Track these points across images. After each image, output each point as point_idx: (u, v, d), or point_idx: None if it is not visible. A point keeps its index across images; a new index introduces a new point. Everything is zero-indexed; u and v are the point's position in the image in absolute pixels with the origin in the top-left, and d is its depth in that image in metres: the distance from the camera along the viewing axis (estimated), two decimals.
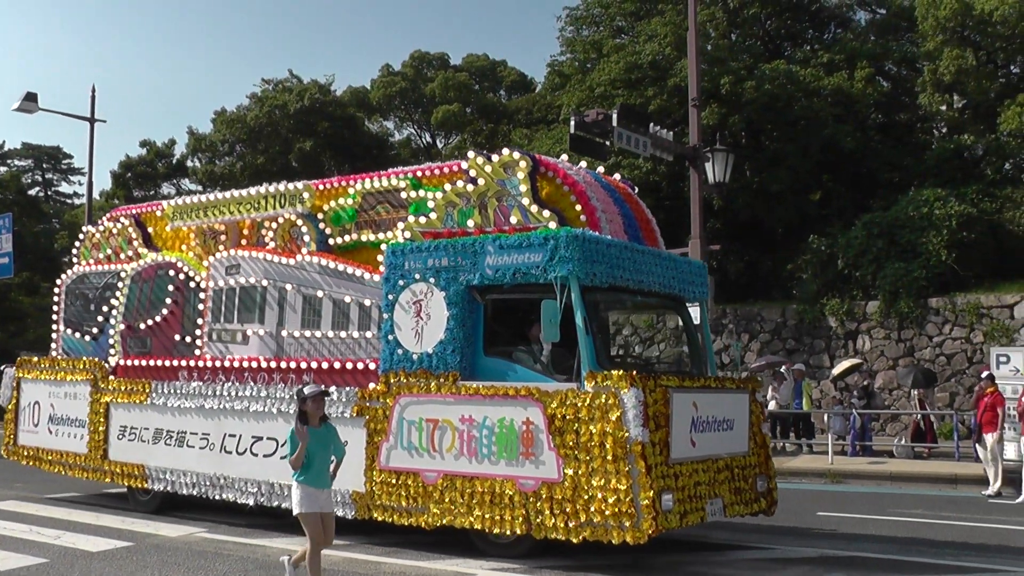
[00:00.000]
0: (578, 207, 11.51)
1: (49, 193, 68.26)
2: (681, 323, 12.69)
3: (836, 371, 26.35)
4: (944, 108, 33.57)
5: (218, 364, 13.58)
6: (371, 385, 11.96)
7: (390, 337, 11.83)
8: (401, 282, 11.79)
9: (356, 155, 40.92)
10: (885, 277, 27.40)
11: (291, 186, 13.45)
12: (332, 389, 12.23)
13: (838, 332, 28.56)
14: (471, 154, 11.90)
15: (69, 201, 66.84)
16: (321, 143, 43.93)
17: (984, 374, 18.99)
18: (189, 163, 46.62)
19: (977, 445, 17.98)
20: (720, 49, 35.27)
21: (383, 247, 12.46)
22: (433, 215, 11.97)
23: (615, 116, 20.24)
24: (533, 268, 10.93)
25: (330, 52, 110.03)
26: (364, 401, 11.93)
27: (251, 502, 12.94)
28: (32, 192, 65.85)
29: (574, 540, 10.47)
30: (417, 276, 11.68)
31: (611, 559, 11.04)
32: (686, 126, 24.98)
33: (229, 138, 45.01)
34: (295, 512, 9.35)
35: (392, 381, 11.70)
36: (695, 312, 13.69)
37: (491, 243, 11.23)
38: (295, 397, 9.65)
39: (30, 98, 33.11)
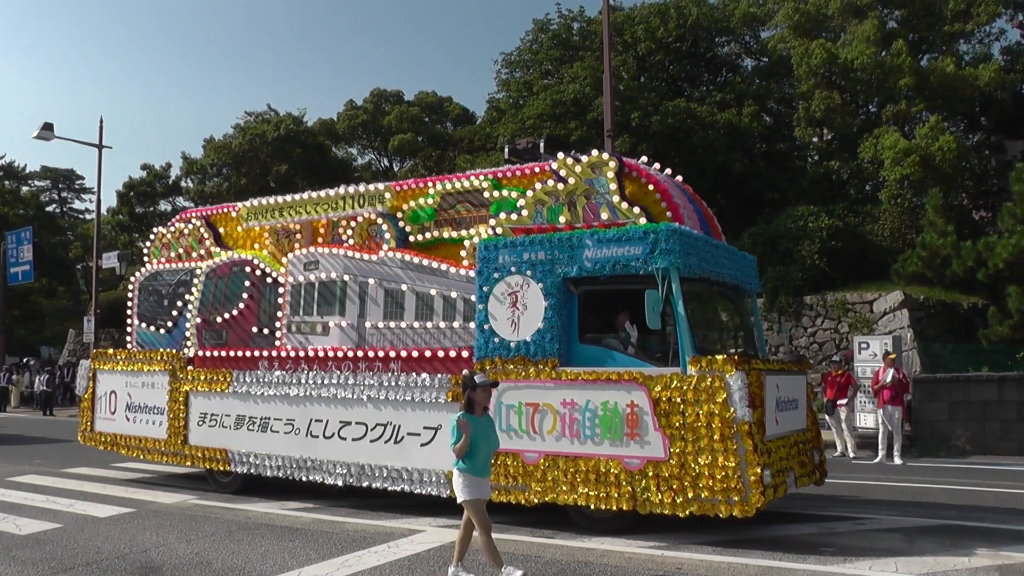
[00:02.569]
0: (663, 204, 9.53)
1: (64, 209, 63.91)
2: (740, 312, 10.73)
3: None
4: (816, 139, 32.61)
5: (301, 354, 11.12)
6: (464, 371, 9.72)
7: (485, 326, 9.62)
8: (496, 274, 9.60)
9: (325, 177, 38.04)
10: (767, 278, 26.18)
11: (372, 187, 11.09)
12: (424, 375, 9.97)
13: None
14: (560, 155, 9.80)
15: (81, 216, 62.72)
16: (295, 167, 40.87)
17: (835, 358, 18.11)
18: (183, 184, 43.08)
19: (827, 416, 16.87)
20: (631, 89, 33.84)
21: (466, 243, 10.31)
22: (524, 212, 9.79)
23: (542, 144, 19.15)
24: (633, 260, 8.92)
25: (303, 89, 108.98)
26: (458, 387, 9.65)
27: (339, 483, 10.57)
28: (49, 208, 62.07)
29: (680, 515, 8.56)
30: (512, 269, 9.50)
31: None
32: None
33: (217, 162, 41.58)
34: (460, 499, 7.22)
35: (488, 368, 9.47)
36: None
37: (589, 237, 9.15)
38: (462, 386, 7.39)
39: (47, 127, 31.06)
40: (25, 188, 59.54)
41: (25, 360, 39.06)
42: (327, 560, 8.07)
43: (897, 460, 15.64)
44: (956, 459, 16.34)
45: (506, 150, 21.13)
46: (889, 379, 16.08)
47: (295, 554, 8.34)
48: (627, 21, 35.52)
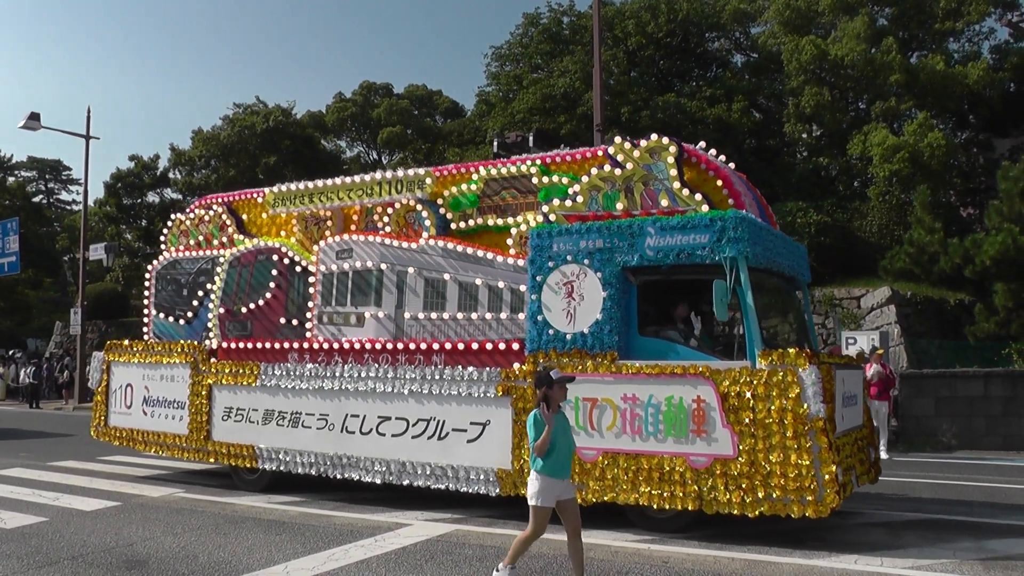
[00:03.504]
0: (724, 191, 8.93)
1: (51, 200, 61.90)
2: (795, 303, 10.18)
3: None
4: (805, 136, 32.25)
5: (336, 346, 10.41)
6: (515, 365, 9.09)
7: (539, 318, 8.97)
8: (550, 263, 8.95)
9: (313, 169, 36.99)
10: None
11: (412, 172, 10.36)
12: (471, 369, 9.30)
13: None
14: (617, 139, 9.15)
15: (68, 207, 60.83)
16: (284, 159, 39.80)
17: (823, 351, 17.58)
18: (171, 175, 41.69)
19: None
20: (621, 84, 33.29)
21: (513, 231, 9.66)
22: (579, 199, 9.13)
23: (532, 138, 18.48)
24: (699, 249, 8.32)
25: (292, 81, 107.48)
26: (509, 381, 9.04)
27: (377, 480, 9.85)
28: (36, 199, 60.01)
29: (749, 515, 8.01)
30: (568, 257, 8.86)
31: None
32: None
33: (205, 154, 40.36)
34: (532, 503, 6.55)
35: (542, 361, 8.84)
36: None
37: (651, 224, 8.53)
38: (536, 381, 6.71)
39: (34, 117, 29.97)
40: (11, 179, 57.55)
41: (11, 352, 37.81)
42: (313, 554, 7.84)
43: (883, 455, 15.21)
44: (942, 454, 16.19)
45: (495, 144, 20.78)
46: (872, 374, 15.62)
47: (281, 547, 8.09)
48: (617, 16, 34.95)
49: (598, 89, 20.31)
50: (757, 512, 7.93)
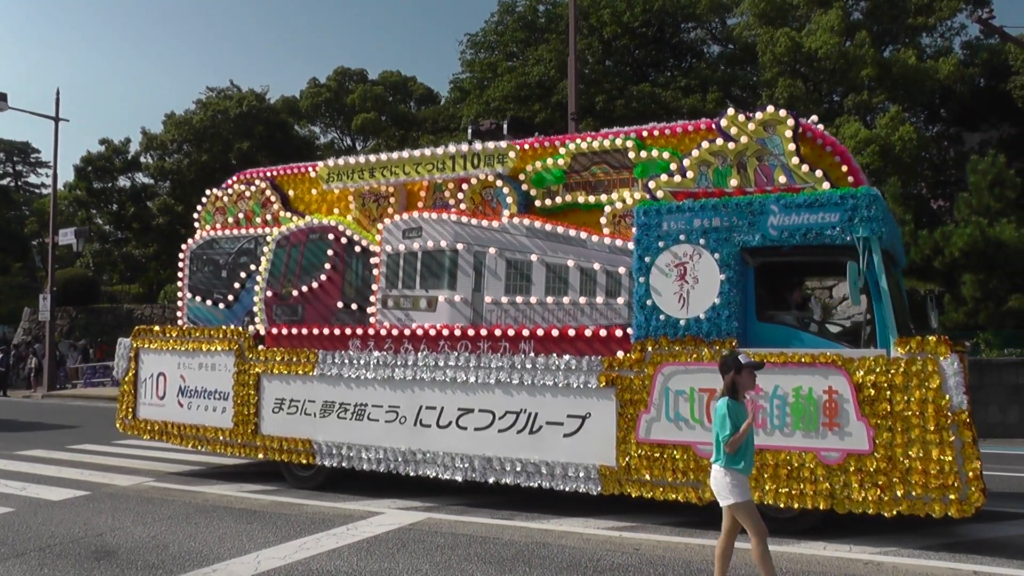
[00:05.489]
0: (843, 168, 8.09)
1: (19, 183, 58.17)
2: (901, 289, 9.36)
3: None
4: None
5: (408, 332, 9.26)
6: (618, 353, 8.10)
7: (647, 302, 7.98)
8: (659, 243, 7.97)
9: (287, 155, 35.32)
10: None
11: (492, 145, 9.21)
12: (567, 357, 8.27)
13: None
14: (731, 111, 8.18)
15: (37, 191, 57.09)
16: (257, 144, 38.01)
17: None
18: (142, 159, 39.35)
19: None
20: (596, 73, 32.59)
21: (607, 209, 8.66)
22: (689, 174, 8.17)
23: (506, 126, 17.84)
24: (828, 228, 7.44)
25: (266, 65, 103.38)
26: (612, 370, 8.04)
27: (459, 478, 8.75)
28: (4, 182, 56.62)
29: (886, 515, 7.18)
30: (681, 237, 7.89)
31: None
32: None
33: (178, 138, 38.25)
34: (731, 502, 5.64)
35: (651, 349, 7.87)
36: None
37: (775, 202, 7.62)
38: (723, 367, 5.77)
39: (0, 98, 27.67)
40: None
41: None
42: (285, 543, 7.53)
43: None
44: None
45: (469, 131, 19.93)
46: None
47: (253, 537, 7.78)
48: (593, 5, 34.09)
49: (573, 78, 19.55)
50: (895, 512, 7.11)
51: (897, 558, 7.08)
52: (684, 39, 35.07)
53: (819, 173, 7.78)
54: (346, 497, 9.37)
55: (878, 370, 7.18)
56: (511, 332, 8.69)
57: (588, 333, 8.35)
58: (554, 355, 8.35)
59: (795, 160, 7.84)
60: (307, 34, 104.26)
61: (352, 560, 6.96)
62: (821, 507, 7.31)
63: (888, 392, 7.13)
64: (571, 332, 8.39)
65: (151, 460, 12.20)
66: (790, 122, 7.90)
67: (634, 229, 8.13)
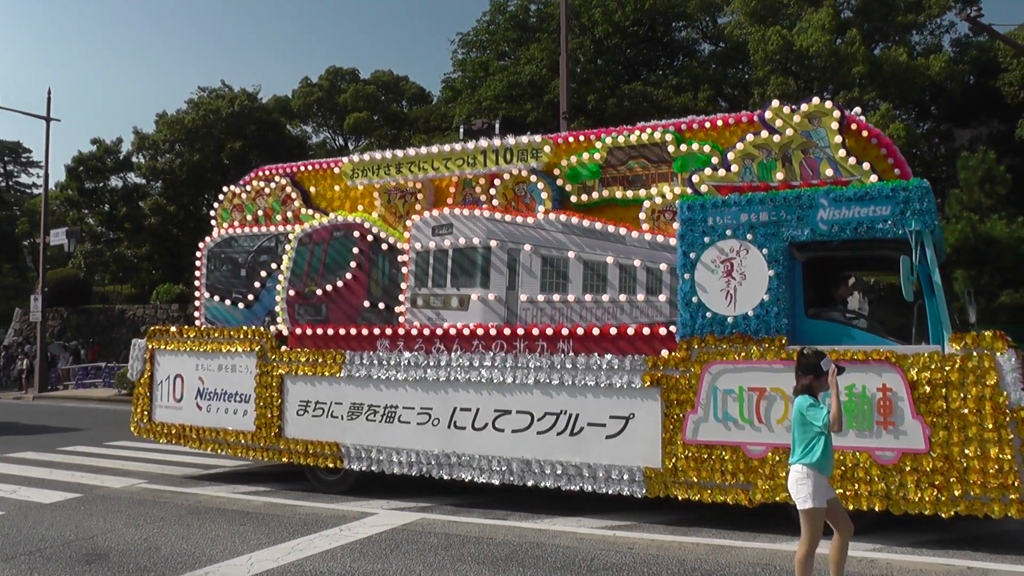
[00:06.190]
0: (889, 160, 7.85)
1: (10, 183, 56.69)
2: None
3: None
4: None
5: (440, 332, 8.89)
6: (663, 352, 7.79)
7: (693, 299, 7.68)
8: (705, 239, 7.67)
9: (279, 155, 34.71)
10: None
11: (526, 140, 8.85)
12: (609, 357, 7.96)
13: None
14: (775, 103, 7.89)
15: (28, 191, 55.51)
16: (249, 144, 37.38)
17: None
18: (134, 159, 38.50)
19: None
20: (588, 72, 32.34)
21: (646, 204, 8.34)
22: (734, 168, 7.87)
23: (498, 125, 18.10)
24: (879, 222, 7.18)
25: (258, 65, 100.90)
26: (657, 369, 7.73)
27: (495, 481, 8.41)
28: None
29: (943, 515, 6.95)
30: (728, 232, 7.59)
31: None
32: None
33: (170, 138, 37.52)
34: (806, 506, 5.37)
35: (697, 347, 7.57)
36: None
37: (824, 196, 7.35)
38: (802, 367, 5.52)
39: None
40: None
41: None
42: (278, 544, 7.42)
43: None
44: None
45: (461, 130, 19.77)
46: None
47: (245, 538, 7.66)
48: (584, 4, 33.76)
49: (564, 77, 19.36)
50: (952, 513, 6.87)
51: (891, 554, 6.94)
52: (675, 38, 34.82)
53: (866, 166, 7.52)
54: (339, 498, 9.22)
55: (933, 367, 6.94)
56: (549, 331, 8.35)
57: (631, 331, 8.03)
58: (595, 354, 8.03)
59: (841, 152, 7.57)
60: (298, 33, 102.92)
61: (345, 561, 6.85)
62: (877, 508, 7.05)
63: (944, 389, 6.89)
64: (613, 331, 8.06)
65: (143, 462, 11.97)
66: (836, 114, 7.63)
67: (676, 224, 7.83)
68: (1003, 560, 6.79)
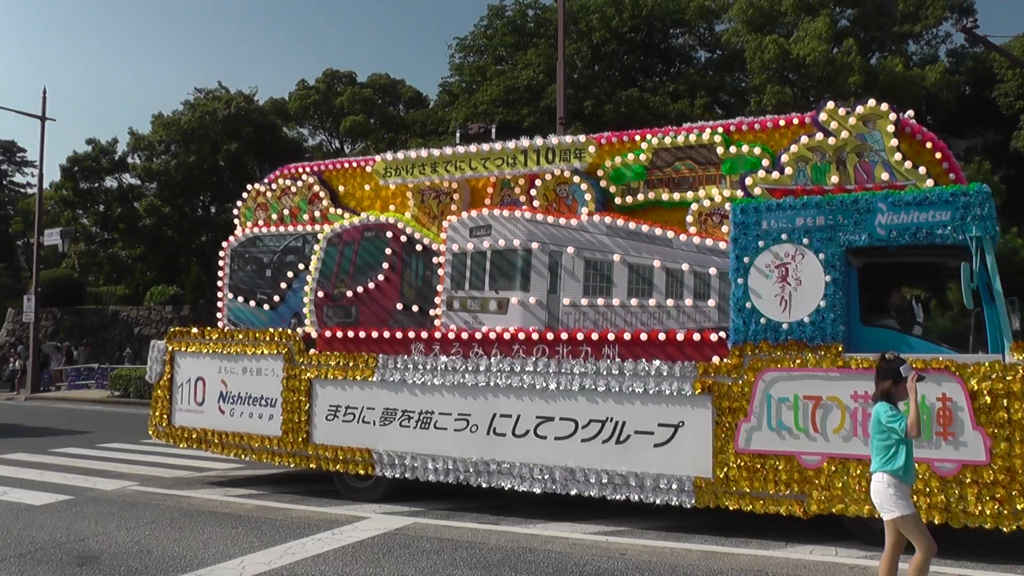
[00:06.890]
0: (943, 164, 7.60)
1: (4, 183, 55.49)
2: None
3: None
4: None
5: (478, 336, 8.58)
6: (714, 358, 7.52)
7: (746, 305, 7.42)
8: (759, 243, 7.41)
9: (275, 157, 34.35)
10: None
11: (570, 139, 8.56)
12: (657, 363, 7.68)
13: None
14: (830, 104, 7.66)
15: (23, 190, 54.23)
16: (245, 146, 36.91)
17: None
18: (130, 160, 37.84)
19: None
20: (585, 77, 32.20)
21: (693, 207, 8.09)
22: (788, 170, 7.63)
23: (494, 130, 17.90)
24: (939, 228, 6.95)
25: (254, 67, 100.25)
26: (708, 376, 7.46)
27: (537, 490, 8.08)
28: None
29: (1004, 529, 6.69)
30: (783, 236, 7.33)
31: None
32: None
33: (165, 139, 36.92)
34: (895, 515, 5.15)
35: (750, 354, 7.31)
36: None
37: (883, 200, 7.11)
38: (882, 373, 5.31)
39: None
40: None
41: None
42: (270, 548, 7.33)
43: None
44: None
45: (458, 135, 19.48)
46: None
47: (237, 542, 7.55)
48: (582, 10, 33.65)
49: (561, 82, 19.01)
50: (1014, 527, 6.64)
51: (872, 561, 6.67)
52: (672, 44, 34.75)
53: (922, 170, 7.30)
54: (332, 502, 9.11)
55: (994, 376, 6.69)
56: (595, 336, 8.06)
57: (680, 337, 7.76)
58: (643, 360, 7.75)
59: (897, 156, 7.36)
60: (295, 36, 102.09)
61: (338, 565, 6.75)
62: (936, 521, 6.79)
63: (1005, 400, 6.65)
64: (662, 336, 7.78)
65: (135, 464, 11.78)
66: (891, 116, 7.42)
67: (724, 228, 7.59)
68: (994, 568, 6.63)
